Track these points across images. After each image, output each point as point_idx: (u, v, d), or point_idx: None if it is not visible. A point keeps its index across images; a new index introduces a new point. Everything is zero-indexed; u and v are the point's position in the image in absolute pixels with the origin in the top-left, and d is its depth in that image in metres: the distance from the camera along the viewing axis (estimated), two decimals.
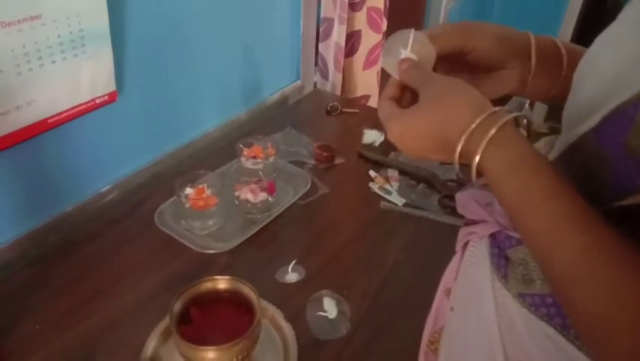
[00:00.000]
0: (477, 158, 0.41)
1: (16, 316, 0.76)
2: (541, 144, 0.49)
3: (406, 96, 0.48)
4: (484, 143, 0.40)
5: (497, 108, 0.42)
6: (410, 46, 0.49)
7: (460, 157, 0.43)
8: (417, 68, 0.48)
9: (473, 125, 0.41)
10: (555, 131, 0.51)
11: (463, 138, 0.41)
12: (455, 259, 0.56)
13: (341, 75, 1.52)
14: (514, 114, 0.42)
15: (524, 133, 0.44)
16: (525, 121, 0.44)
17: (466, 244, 0.54)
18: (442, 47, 0.50)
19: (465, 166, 0.43)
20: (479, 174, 0.42)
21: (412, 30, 0.49)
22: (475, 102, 0.43)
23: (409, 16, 2.28)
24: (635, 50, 0.37)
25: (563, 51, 0.51)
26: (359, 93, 1.63)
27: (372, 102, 1.65)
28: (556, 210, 0.37)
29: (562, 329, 0.42)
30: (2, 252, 0.85)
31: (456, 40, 0.50)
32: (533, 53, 0.50)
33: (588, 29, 3.01)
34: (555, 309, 0.42)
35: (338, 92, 1.54)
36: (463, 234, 0.56)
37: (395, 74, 0.49)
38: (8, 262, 0.85)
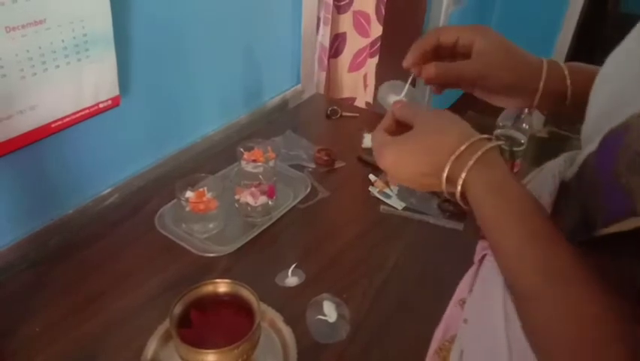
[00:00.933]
0: (462, 178, 0.44)
1: (17, 318, 0.77)
2: (560, 160, 0.49)
3: (399, 130, 0.51)
4: (470, 163, 0.43)
5: (483, 136, 0.46)
6: (404, 92, 0.57)
7: (447, 180, 0.46)
8: (409, 105, 0.52)
9: (462, 148, 0.44)
10: (555, 136, 0.52)
11: (451, 159, 0.44)
12: (471, 271, 0.57)
13: (324, 74, 1.53)
14: (498, 143, 0.46)
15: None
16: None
17: (483, 257, 0.54)
18: (452, 36, 0.54)
19: (451, 194, 0.47)
20: (463, 198, 0.45)
21: (407, 82, 0.57)
22: (462, 130, 0.46)
23: (409, 21, 2.29)
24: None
25: (568, 82, 0.54)
26: (345, 95, 1.64)
27: (358, 104, 1.66)
28: (524, 232, 0.40)
29: None
30: (3, 254, 0.86)
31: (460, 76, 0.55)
32: (542, 84, 0.53)
33: (588, 34, 3.03)
34: None
35: (321, 92, 1.55)
36: (480, 247, 0.56)
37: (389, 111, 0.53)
38: (9, 265, 0.86)
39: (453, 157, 0.44)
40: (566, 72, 0.54)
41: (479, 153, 0.43)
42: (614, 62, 0.42)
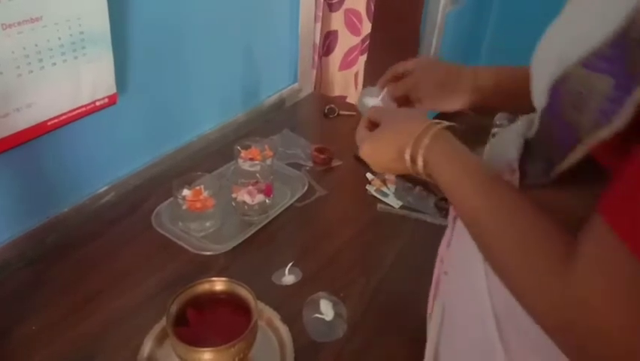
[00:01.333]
0: (421, 155, 0.53)
1: (13, 317, 0.76)
2: (521, 122, 0.54)
3: (375, 128, 0.62)
4: (426, 141, 0.53)
5: (435, 120, 0.55)
6: (381, 97, 0.74)
7: (411, 160, 0.55)
8: (379, 108, 0.66)
9: (419, 131, 0.54)
10: None
11: (412, 141, 0.54)
12: (447, 231, 0.63)
13: (314, 72, 1.53)
14: (450, 124, 0.55)
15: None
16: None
17: (456, 217, 0.60)
18: (397, 91, 0.75)
19: (417, 173, 0.55)
20: (427, 173, 0.54)
21: (384, 90, 0.75)
22: (419, 120, 0.56)
23: (404, 21, 2.29)
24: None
25: (492, 82, 0.68)
26: (336, 93, 1.64)
27: (350, 101, 1.65)
28: (476, 182, 0.48)
29: None
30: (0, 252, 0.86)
31: (405, 90, 0.74)
32: (471, 83, 0.69)
33: None
34: None
35: (311, 90, 1.55)
36: (452, 208, 0.62)
37: (365, 115, 0.65)
38: (6, 263, 0.85)
39: (412, 140, 0.54)
40: (480, 69, 0.70)
41: (432, 131, 0.53)
42: (552, 30, 0.47)
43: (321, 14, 1.42)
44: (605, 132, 0.36)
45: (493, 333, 0.50)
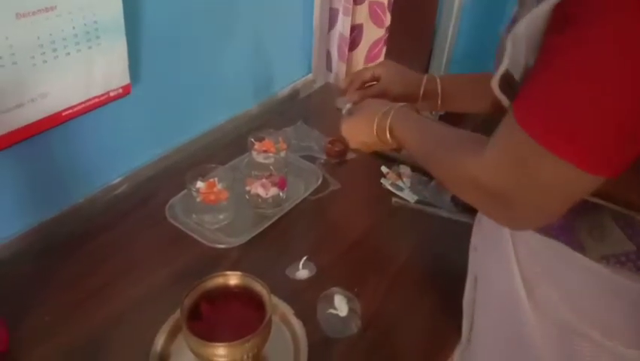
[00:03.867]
0: (387, 125, 0.70)
1: (24, 308, 0.76)
2: None
3: None
4: (392, 113, 0.70)
5: (398, 103, 0.72)
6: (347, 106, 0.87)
7: (378, 134, 0.72)
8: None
9: (384, 110, 0.71)
10: None
11: (377, 118, 0.71)
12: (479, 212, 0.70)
13: (345, 66, 1.51)
14: (412, 105, 0.75)
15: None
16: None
17: None
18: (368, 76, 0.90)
19: (385, 143, 0.73)
20: (395, 142, 0.71)
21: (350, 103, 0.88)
22: (384, 103, 0.75)
23: (422, 10, 2.25)
24: None
25: (439, 87, 0.85)
26: None
27: None
28: (426, 136, 0.64)
29: (566, 242, 0.53)
30: (12, 243, 0.86)
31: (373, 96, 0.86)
32: (422, 90, 0.86)
33: None
34: (559, 231, 0.53)
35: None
36: None
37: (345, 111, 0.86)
38: (18, 254, 0.86)
39: (379, 114, 0.71)
40: (438, 81, 0.86)
41: (396, 107, 0.71)
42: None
43: (350, 7, 1.39)
44: (499, 73, 0.47)
45: (520, 289, 0.57)
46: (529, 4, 0.42)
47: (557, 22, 0.40)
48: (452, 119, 0.85)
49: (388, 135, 0.70)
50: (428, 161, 0.62)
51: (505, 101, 0.48)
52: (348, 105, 0.87)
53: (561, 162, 0.41)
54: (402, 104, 0.72)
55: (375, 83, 0.90)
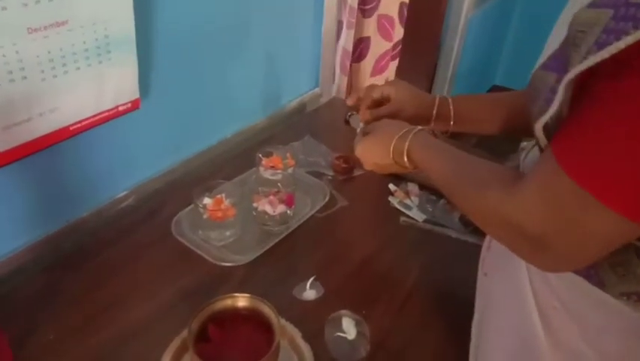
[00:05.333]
0: (405, 148, 0.69)
1: (29, 324, 0.75)
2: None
3: None
4: (410, 135, 0.69)
5: (414, 127, 0.71)
6: (361, 125, 0.87)
7: (394, 155, 0.71)
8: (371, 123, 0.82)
9: (401, 133, 0.70)
10: None
11: (396, 137, 0.70)
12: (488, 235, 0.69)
13: (346, 79, 1.51)
14: (427, 128, 0.78)
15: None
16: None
17: None
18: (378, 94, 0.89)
19: (401, 166, 0.72)
20: (411, 163, 0.69)
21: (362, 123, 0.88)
22: (400, 125, 0.73)
23: (428, 25, 2.25)
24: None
25: (451, 108, 0.85)
26: None
27: None
28: (450, 164, 0.62)
29: (585, 276, 0.51)
30: (18, 256, 0.85)
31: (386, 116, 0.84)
32: (435, 111, 0.85)
33: None
34: None
35: (343, 96, 1.53)
36: None
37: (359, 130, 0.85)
38: (23, 267, 0.85)
39: (396, 137, 0.70)
40: (450, 102, 0.85)
41: (414, 130, 0.69)
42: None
43: (354, 20, 1.39)
44: (547, 117, 0.45)
45: (537, 323, 0.56)
46: (583, 48, 0.40)
47: (608, 67, 0.39)
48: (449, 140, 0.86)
49: (406, 159, 0.69)
50: (453, 191, 0.60)
51: (543, 140, 0.47)
52: (362, 125, 0.85)
53: (605, 209, 0.40)
54: (419, 127, 0.71)
55: (379, 99, 0.89)
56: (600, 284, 0.50)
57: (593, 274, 0.50)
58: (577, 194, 0.41)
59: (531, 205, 0.46)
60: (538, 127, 0.46)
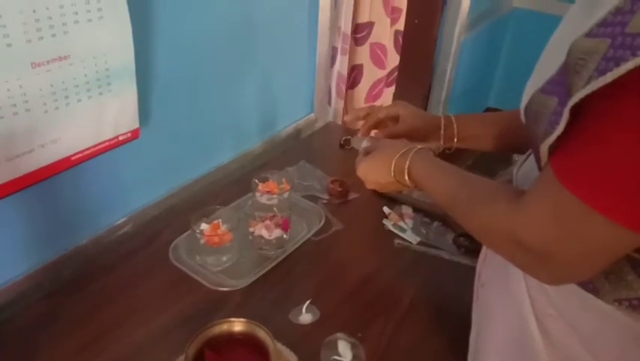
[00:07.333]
0: (406, 167, 0.70)
1: (29, 351, 0.76)
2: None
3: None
4: (410, 154, 0.71)
5: (415, 144, 0.73)
6: (365, 141, 0.89)
7: (395, 174, 0.72)
8: (374, 141, 0.83)
9: (402, 151, 0.72)
10: None
11: (397, 156, 0.72)
12: (483, 248, 0.71)
13: (343, 102, 1.54)
14: (428, 146, 0.77)
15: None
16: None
17: None
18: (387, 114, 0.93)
19: (402, 184, 0.73)
20: (412, 182, 0.71)
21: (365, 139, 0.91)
22: (402, 143, 0.75)
23: (421, 50, 2.30)
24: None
25: (455, 127, 0.88)
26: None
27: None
28: (448, 175, 0.65)
29: (580, 284, 0.53)
30: (18, 284, 0.86)
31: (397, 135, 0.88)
32: (442, 131, 0.88)
33: None
34: None
35: (339, 121, 1.56)
36: None
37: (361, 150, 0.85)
38: (22, 295, 0.86)
39: (397, 156, 0.72)
40: (454, 120, 0.87)
41: (414, 149, 0.71)
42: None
43: (347, 47, 1.43)
44: (553, 137, 0.46)
45: (534, 331, 0.57)
46: (585, 74, 0.42)
47: (607, 88, 0.41)
48: (444, 158, 0.88)
49: (406, 177, 0.71)
50: (456, 206, 0.61)
51: (546, 159, 0.48)
52: (364, 144, 0.87)
53: (608, 222, 0.42)
54: (419, 145, 0.72)
55: (384, 119, 0.93)
56: (595, 291, 0.52)
57: (587, 281, 0.52)
58: (577, 207, 0.43)
59: (534, 220, 0.47)
60: (544, 148, 0.48)
